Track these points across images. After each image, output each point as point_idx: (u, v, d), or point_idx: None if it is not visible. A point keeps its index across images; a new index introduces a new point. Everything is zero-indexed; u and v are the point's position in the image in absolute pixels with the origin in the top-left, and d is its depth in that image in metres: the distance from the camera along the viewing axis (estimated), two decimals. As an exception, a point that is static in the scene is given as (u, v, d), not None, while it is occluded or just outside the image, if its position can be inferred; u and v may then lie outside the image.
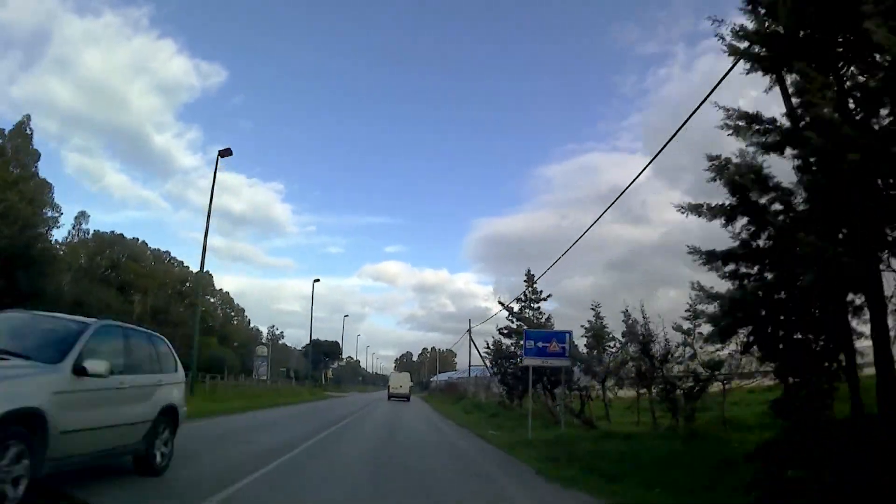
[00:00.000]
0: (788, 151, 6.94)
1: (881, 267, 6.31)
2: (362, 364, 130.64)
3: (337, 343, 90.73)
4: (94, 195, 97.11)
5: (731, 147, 7.39)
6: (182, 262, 70.62)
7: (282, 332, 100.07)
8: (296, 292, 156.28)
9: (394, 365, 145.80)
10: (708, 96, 8.69)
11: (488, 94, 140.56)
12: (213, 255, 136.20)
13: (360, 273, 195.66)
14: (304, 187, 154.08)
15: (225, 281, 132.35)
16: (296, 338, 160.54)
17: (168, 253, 69.11)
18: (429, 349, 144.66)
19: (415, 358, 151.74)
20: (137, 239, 62.05)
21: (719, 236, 7.57)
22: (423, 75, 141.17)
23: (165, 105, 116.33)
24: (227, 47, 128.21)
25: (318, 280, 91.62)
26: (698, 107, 9.26)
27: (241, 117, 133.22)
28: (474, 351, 41.97)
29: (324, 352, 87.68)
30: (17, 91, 74.27)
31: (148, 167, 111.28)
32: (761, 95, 7.48)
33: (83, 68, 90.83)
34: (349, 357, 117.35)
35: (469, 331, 43.74)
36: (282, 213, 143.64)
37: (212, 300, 76.59)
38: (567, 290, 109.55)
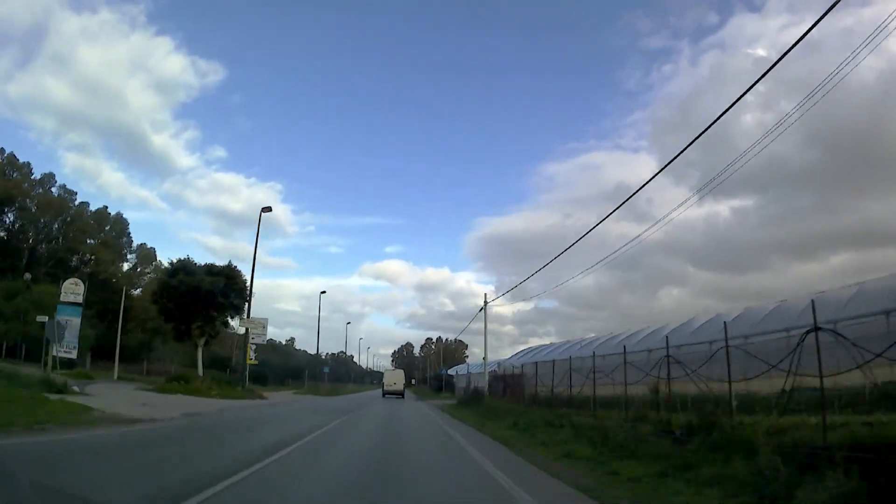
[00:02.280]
0: None
1: None
2: (356, 360, 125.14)
3: (234, 273, 39.70)
4: (91, 195, 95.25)
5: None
6: (74, 194, 56.52)
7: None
8: (296, 292, 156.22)
9: (391, 358, 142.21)
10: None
11: (489, 92, 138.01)
12: (213, 256, 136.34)
13: (360, 272, 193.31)
14: (303, 187, 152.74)
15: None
16: (299, 339, 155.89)
17: (52, 176, 54.90)
18: (434, 340, 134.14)
19: (416, 351, 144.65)
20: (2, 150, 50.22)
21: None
22: (424, 73, 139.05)
23: (163, 103, 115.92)
24: (225, 45, 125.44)
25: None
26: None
27: (240, 115, 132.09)
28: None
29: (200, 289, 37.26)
30: (13, 89, 73.72)
31: (146, 167, 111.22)
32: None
33: (80, 66, 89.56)
34: (343, 353, 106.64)
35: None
36: (281, 212, 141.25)
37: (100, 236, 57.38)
38: (568, 289, 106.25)
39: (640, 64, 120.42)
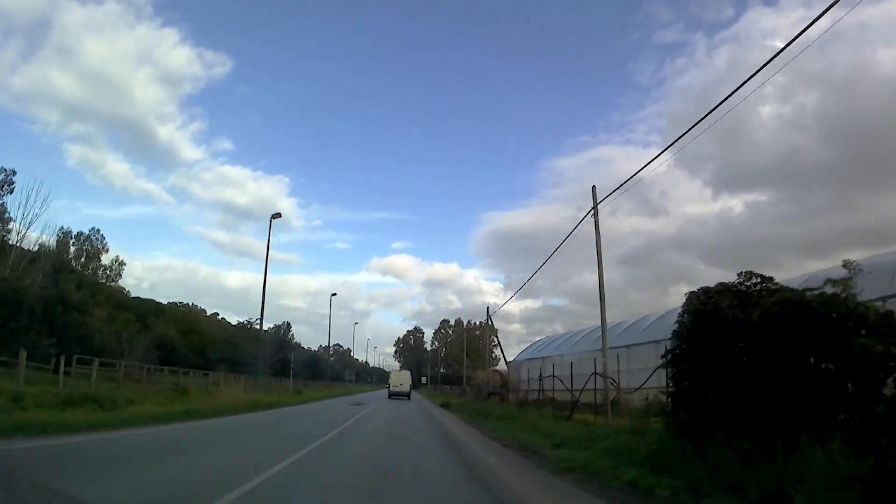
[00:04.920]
0: None
1: None
2: (355, 355, 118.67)
3: None
4: (95, 188, 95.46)
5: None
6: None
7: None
8: (301, 288, 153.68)
9: (394, 348, 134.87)
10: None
11: (497, 87, 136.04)
12: (218, 250, 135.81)
13: (367, 268, 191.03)
14: (310, 181, 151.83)
15: (230, 276, 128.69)
16: (302, 335, 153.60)
17: None
18: (451, 323, 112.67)
19: (427, 340, 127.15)
20: None
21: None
22: (432, 68, 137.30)
23: (169, 95, 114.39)
24: (232, 36, 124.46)
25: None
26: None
27: (247, 108, 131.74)
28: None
29: None
30: (18, 80, 73.26)
31: (152, 159, 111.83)
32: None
33: (85, 57, 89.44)
34: (279, 328, 74.04)
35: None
36: (287, 206, 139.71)
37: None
38: (576, 285, 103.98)
39: (653, 57, 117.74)
